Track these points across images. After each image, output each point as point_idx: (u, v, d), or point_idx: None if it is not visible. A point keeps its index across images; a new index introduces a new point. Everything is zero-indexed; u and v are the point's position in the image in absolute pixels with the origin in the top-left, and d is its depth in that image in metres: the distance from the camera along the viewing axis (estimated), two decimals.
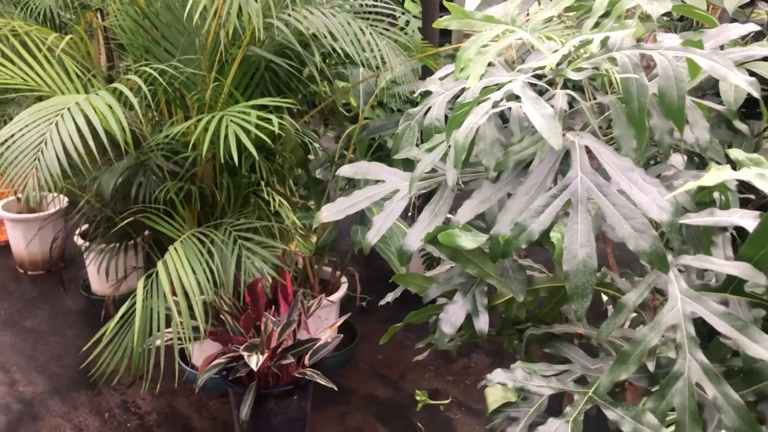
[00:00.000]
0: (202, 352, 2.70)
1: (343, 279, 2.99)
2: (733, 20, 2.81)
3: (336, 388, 2.34)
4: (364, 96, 2.77)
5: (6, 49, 2.30)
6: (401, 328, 1.28)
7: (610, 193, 0.96)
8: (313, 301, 2.52)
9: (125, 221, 2.46)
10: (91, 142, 1.95)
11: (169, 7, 2.31)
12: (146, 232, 2.81)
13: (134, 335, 2.14)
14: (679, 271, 0.96)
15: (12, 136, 2.01)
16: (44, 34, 2.42)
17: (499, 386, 1.06)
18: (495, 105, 1.04)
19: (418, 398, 2.79)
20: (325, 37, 2.22)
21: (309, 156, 2.87)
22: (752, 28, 1.26)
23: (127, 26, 2.43)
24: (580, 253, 0.94)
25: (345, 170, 1.20)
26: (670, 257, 0.95)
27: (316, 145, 2.75)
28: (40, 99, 2.22)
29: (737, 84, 1.06)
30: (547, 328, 1.13)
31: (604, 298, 1.54)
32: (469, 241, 1.03)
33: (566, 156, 1.01)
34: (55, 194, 3.63)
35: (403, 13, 3.31)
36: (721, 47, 1.32)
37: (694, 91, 3.09)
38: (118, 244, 2.86)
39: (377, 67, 2.42)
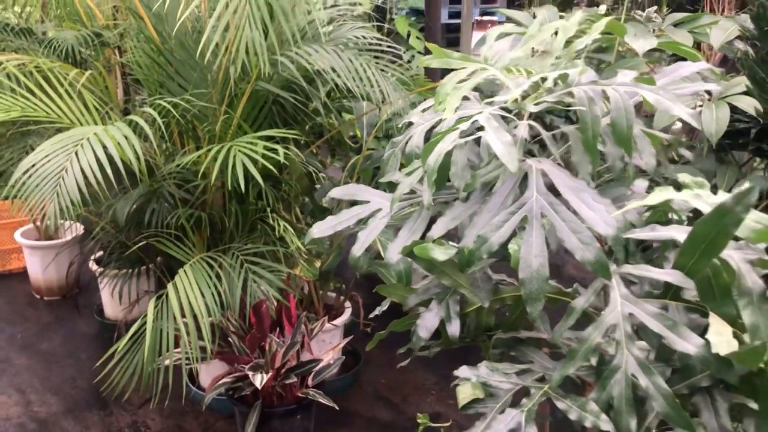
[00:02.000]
0: (209, 373, 2.85)
1: (347, 304, 3.14)
2: (724, 57, 2.99)
3: (337, 407, 2.48)
4: (367, 128, 2.96)
5: (31, 84, 2.52)
6: (385, 337, 1.43)
7: (561, 210, 1.12)
8: (316, 324, 2.67)
9: (138, 245, 2.64)
10: (108, 171, 2.14)
11: (183, 44, 2.52)
12: (158, 259, 3.00)
13: (144, 353, 2.30)
14: (624, 279, 1.11)
15: (34, 165, 2.22)
16: (66, 70, 2.64)
17: (469, 384, 1.20)
18: (463, 134, 1.21)
19: (419, 421, 2.91)
20: (328, 74, 2.41)
21: (316, 185, 3.05)
22: (703, 66, 1.42)
23: (144, 62, 2.65)
24: (534, 262, 1.10)
25: (336, 192, 1.37)
26: (613, 267, 1.10)
27: (321, 174, 2.93)
28: (59, 131, 2.42)
29: (679, 115, 1.22)
30: (514, 333, 1.28)
31: None
32: (441, 253, 1.19)
33: (525, 178, 1.17)
34: (71, 222, 3.84)
35: (407, 50, 3.51)
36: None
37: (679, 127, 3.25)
38: (131, 270, 3.05)
39: (382, 101, 2.61)
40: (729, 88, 2.41)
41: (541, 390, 1.13)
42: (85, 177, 2.13)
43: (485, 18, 5.12)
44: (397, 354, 1.55)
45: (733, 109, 2.37)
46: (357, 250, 1.26)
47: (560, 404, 1.09)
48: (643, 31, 2.66)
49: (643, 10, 4.84)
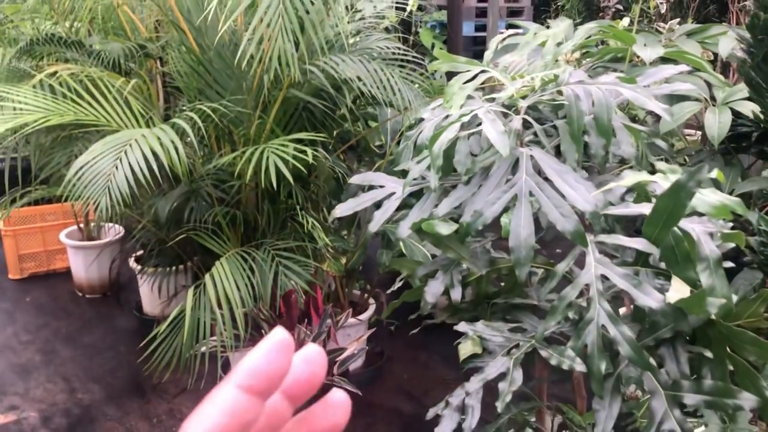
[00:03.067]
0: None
1: (372, 301, 3.38)
2: (726, 64, 3.19)
3: (360, 394, 2.70)
4: (391, 134, 3.21)
5: (82, 91, 2.82)
6: (397, 306, 1.67)
7: (546, 189, 1.35)
8: (342, 315, 2.91)
9: (177, 240, 2.92)
10: (154, 168, 2.42)
11: (221, 55, 2.81)
12: (195, 258, 3.28)
13: (183, 337, 2.56)
14: (601, 249, 1.33)
15: (86, 164, 2.50)
16: (113, 79, 2.94)
17: (469, 342, 1.42)
18: (465, 127, 1.45)
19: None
20: (354, 82, 2.67)
21: (343, 188, 3.31)
22: (683, 68, 1.63)
23: (184, 71, 2.94)
24: (522, 233, 1.32)
25: (355, 179, 1.61)
26: (591, 237, 1.32)
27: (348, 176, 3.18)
28: (103, 137, 2.70)
29: (653, 110, 1.43)
30: (509, 300, 1.50)
31: None
32: (445, 228, 1.41)
33: (517, 163, 1.40)
34: (113, 224, 4.15)
35: (431, 61, 3.75)
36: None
37: (684, 126, 3.46)
38: (169, 267, 3.34)
39: (405, 108, 2.86)
40: (732, 93, 2.60)
41: (528, 342, 1.34)
42: (134, 175, 2.40)
43: (510, 31, 5.36)
44: (411, 326, 1.77)
45: (737, 114, 2.57)
46: (373, 226, 1.49)
47: (543, 353, 1.31)
48: (653, 41, 2.87)
49: (666, 23, 5.05)
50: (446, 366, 3.45)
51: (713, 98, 2.67)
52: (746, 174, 2.73)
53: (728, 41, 2.84)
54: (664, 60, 2.84)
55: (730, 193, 2.54)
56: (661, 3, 4.96)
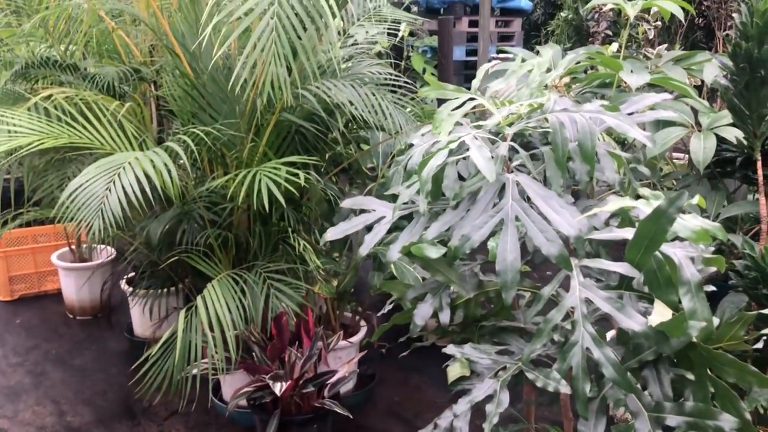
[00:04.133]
0: (231, 386, 3.11)
1: (363, 324, 3.40)
2: (714, 89, 3.26)
3: (351, 416, 2.72)
4: (383, 157, 3.25)
5: (76, 114, 2.85)
6: (388, 329, 1.69)
7: (531, 214, 1.39)
8: (333, 338, 2.93)
9: (169, 262, 2.94)
10: (147, 190, 2.44)
11: (215, 79, 2.85)
12: (186, 280, 3.30)
13: (175, 360, 2.58)
14: (586, 273, 1.37)
15: (80, 186, 2.53)
16: (107, 102, 2.98)
17: (457, 364, 1.45)
18: (454, 153, 1.49)
19: None
20: (346, 106, 2.71)
21: (335, 210, 3.34)
22: (665, 96, 1.68)
23: (178, 95, 2.98)
24: (508, 257, 1.36)
25: (347, 203, 1.65)
26: (575, 261, 1.36)
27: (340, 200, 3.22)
28: (96, 159, 2.72)
29: (636, 138, 1.48)
30: (496, 322, 1.53)
31: None
32: (434, 252, 1.45)
33: (503, 188, 1.44)
34: (104, 246, 4.17)
35: (422, 85, 3.82)
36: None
37: (673, 149, 3.52)
38: (160, 288, 3.35)
39: (396, 132, 2.91)
40: (717, 119, 2.66)
41: (515, 365, 1.37)
42: (127, 197, 2.43)
43: (501, 56, 5.45)
44: (402, 348, 1.80)
45: (722, 140, 2.63)
46: (363, 249, 1.53)
47: (530, 375, 1.34)
48: (640, 68, 2.94)
49: (654, 48, 5.15)
50: (438, 388, 3.47)
51: (699, 124, 2.74)
52: (732, 198, 2.79)
53: (712, 68, 2.91)
54: (651, 86, 2.91)
55: (716, 217, 2.60)
56: (649, 29, 5.06)
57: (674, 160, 3.94)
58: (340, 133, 2.96)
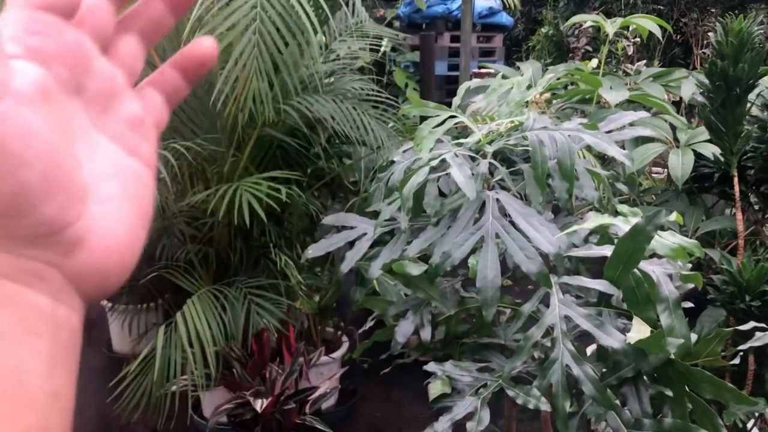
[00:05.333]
0: (211, 403, 3.09)
1: (345, 339, 3.39)
2: (692, 106, 3.31)
3: None
4: (364, 171, 3.26)
5: None
6: (370, 345, 1.69)
7: (511, 231, 1.40)
8: (314, 353, 2.92)
9: (148, 278, 2.92)
10: None
11: (195, 94, 2.85)
12: (166, 295, 3.27)
13: (154, 376, 2.56)
14: (565, 290, 1.38)
15: None
16: None
17: (438, 382, 1.45)
18: (434, 170, 1.50)
19: None
20: (328, 121, 2.73)
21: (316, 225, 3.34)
22: (643, 114, 1.71)
23: None
24: (489, 274, 1.37)
25: (328, 219, 1.66)
26: (555, 278, 1.37)
27: (322, 215, 3.22)
28: None
29: (614, 155, 1.50)
30: (478, 339, 1.54)
31: None
32: (415, 269, 1.46)
33: (484, 206, 1.45)
34: None
35: (404, 101, 3.85)
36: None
37: (653, 164, 3.56)
38: (140, 304, 3.32)
39: (378, 147, 2.92)
40: (694, 135, 2.71)
41: (495, 382, 1.38)
42: None
43: (483, 71, 5.49)
44: (384, 364, 1.80)
45: (700, 156, 2.67)
46: (345, 267, 1.53)
47: (510, 392, 1.35)
48: (619, 85, 2.97)
49: (633, 64, 5.20)
50: (420, 404, 3.46)
51: (677, 140, 2.78)
52: (710, 213, 2.82)
53: (690, 85, 2.96)
54: (630, 102, 2.95)
55: (695, 232, 2.63)
56: (628, 45, 5.12)
57: (653, 175, 3.99)
58: (322, 148, 2.96)
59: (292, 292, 3.03)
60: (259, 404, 2.60)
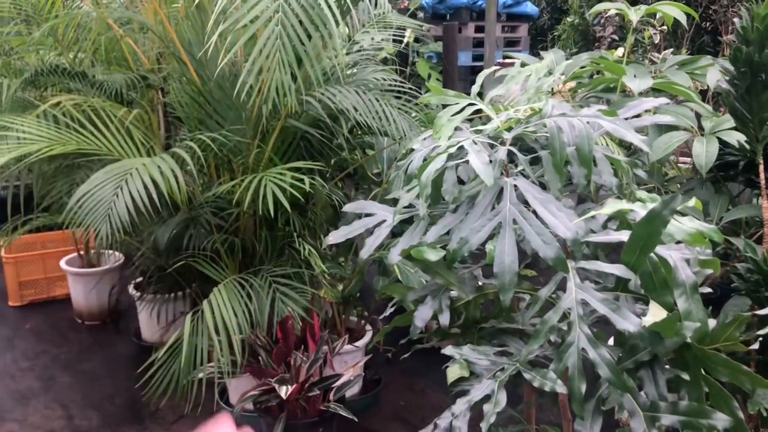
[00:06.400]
0: (237, 390, 3.14)
1: (368, 328, 3.43)
2: (717, 94, 3.28)
3: (356, 419, 2.74)
4: (387, 162, 3.29)
5: (85, 121, 2.90)
6: (388, 331, 1.73)
7: (529, 217, 1.42)
8: (338, 342, 2.96)
9: (175, 267, 2.98)
10: (155, 196, 2.49)
11: (221, 86, 2.90)
12: (194, 284, 3.34)
13: (181, 363, 2.61)
14: (583, 275, 1.40)
15: (89, 191, 2.57)
16: (115, 109, 3.03)
17: (457, 366, 1.47)
18: (453, 157, 1.52)
19: None
20: (350, 112, 2.75)
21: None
22: (663, 101, 1.71)
23: (185, 102, 3.02)
24: (506, 259, 1.39)
25: (349, 207, 1.68)
26: (572, 263, 1.39)
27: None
28: (104, 166, 2.76)
29: (632, 141, 1.51)
30: (495, 324, 1.56)
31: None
32: (433, 255, 1.48)
33: (501, 192, 1.47)
34: (111, 252, 4.22)
35: (427, 91, 3.86)
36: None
37: (678, 154, 3.53)
38: (168, 293, 3.40)
39: (400, 138, 2.95)
40: (719, 123, 2.68)
41: (513, 366, 1.40)
42: (134, 203, 2.47)
43: (507, 61, 5.49)
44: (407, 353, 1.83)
45: (725, 144, 2.65)
46: (365, 253, 1.56)
47: (527, 375, 1.37)
48: (643, 73, 2.96)
49: (660, 53, 5.14)
50: (443, 393, 3.49)
51: (702, 128, 2.76)
52: (736, 202, 2.80)
53: (715, 73, 2.93)
54: (654, 90, 2.93)
55: (719, 221, 2.61)
56: (655, 33, 5.07)
57: (680, 165, 3.96)
58: (345, 138, 3.00)
59: (316, 281, 3.07)
60: (285, 391, 2.64)
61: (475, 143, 1.50)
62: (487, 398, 1.36)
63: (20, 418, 3.27)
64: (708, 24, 5.82)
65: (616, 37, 5.80)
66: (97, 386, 3.57)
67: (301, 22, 2.48)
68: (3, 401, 3.37)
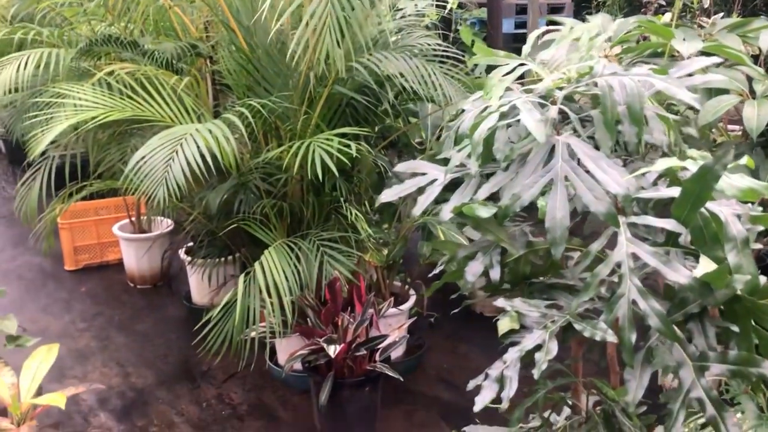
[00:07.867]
0: (285, 351, 3.25)
1: (412, 292, 3.49)
2: None
3: (402, 379, 2.82)
4: (431, 129, 3.32)
5: (139, 88, 2.99)
6: (438, 288, 1.78)
7: (580, 173, 1.45)
8: (383, 304, 3.03)
9: (226, 231, 3.08)
10: (208, 160, 2.57)
11: (269, 53, 2.95)
12: (243, 249, 3.43)
13: (235, 321, 2.72)
14: (629, 227, 1.42)
15: (145, 156, 2.66)
16: (167, 77, 3.11)
17: (507, 318, 1.52)
18: (503, 116, 1.55)
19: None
20: (396, 78, 2.78)
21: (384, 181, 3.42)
22: (716, 60, 1.71)
23: (233, 69, 3.09)
24: (557, 214, 1.43)
25: (401, 167, 1.73)
26: (622, 218, 1.42)
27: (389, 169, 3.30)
28: (155, 133, 2.84)
29: (683, 99, 1.52)
30: (545, 279, 1.60)
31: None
32: (485, 211, 1.52)
33: (553, 150, 1.50)
34: (162, 218, 4.35)
35: (471, 57, 3.86)
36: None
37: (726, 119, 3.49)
38: (218, 257, 3.50)
39: (445, 104, 2.98)
40: None
41: (563, 317, 1.45)
42: (189, 165, 2.55)
43: (551, 27, 5.43)
44: (450, 320, 1.88)
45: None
46: (417, 210, 1.61)
47: (578, 326, 1.41)
48: (692, 36, 2.92)
49: (710, 18, 5.05)
50: (486, 357, 3.52)
51: (753, 92, 2.72)
52: None
53: None
54: (704, 54, 2.89)
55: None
56: None
57: (729, 132, 3.90)
58: (390, 105, 3.03)
59: (362, 245, 3.14)
60: (333, 350, 2.72)
61: (527, 102, 1.53)
62: (538, 348, 1.41)
63: (80, 375, 3.43)
64: None
65: (663, 2, 5.70)
66: (150, 346, 3.71)
67: None
68: (64, 359, 3.53)
